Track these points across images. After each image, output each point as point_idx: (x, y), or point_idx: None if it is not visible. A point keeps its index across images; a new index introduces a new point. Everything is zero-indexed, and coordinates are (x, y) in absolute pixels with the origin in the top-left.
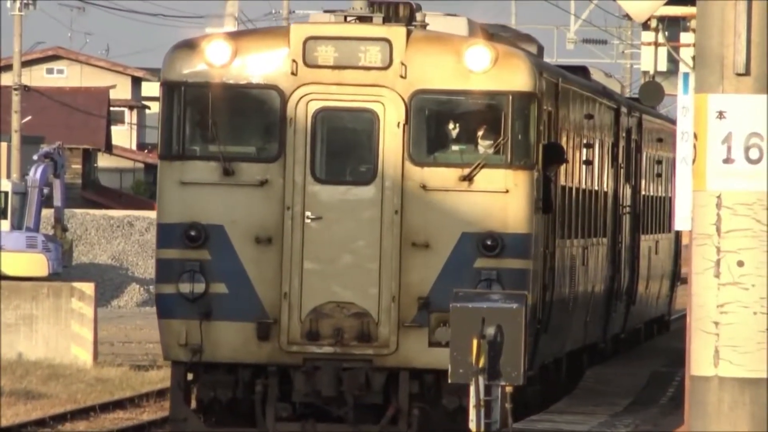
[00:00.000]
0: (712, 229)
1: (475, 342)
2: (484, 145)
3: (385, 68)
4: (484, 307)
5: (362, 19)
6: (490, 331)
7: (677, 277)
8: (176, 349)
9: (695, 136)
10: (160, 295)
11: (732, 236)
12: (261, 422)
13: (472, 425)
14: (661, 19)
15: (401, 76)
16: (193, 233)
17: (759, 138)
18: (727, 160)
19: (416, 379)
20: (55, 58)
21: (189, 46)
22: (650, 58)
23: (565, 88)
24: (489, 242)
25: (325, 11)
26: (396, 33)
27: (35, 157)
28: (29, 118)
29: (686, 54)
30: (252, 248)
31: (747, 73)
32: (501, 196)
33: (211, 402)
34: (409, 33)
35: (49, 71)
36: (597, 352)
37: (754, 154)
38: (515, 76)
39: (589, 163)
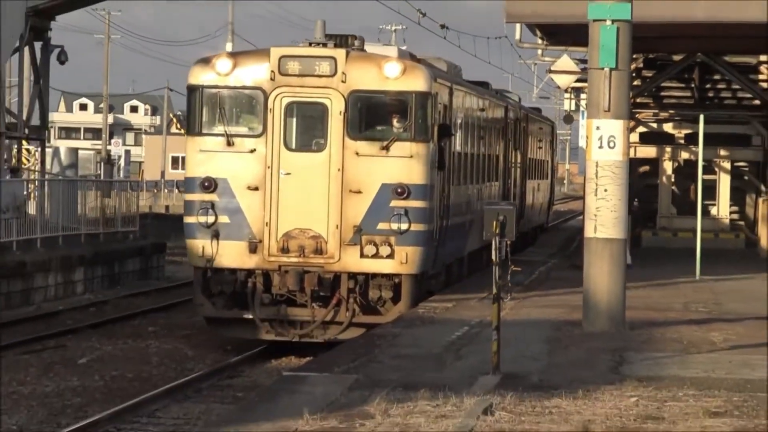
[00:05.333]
0: (593, 175)
1: (494, 222)
2: (396, 127)
3: (332, 76)
4: (498, 207)
5: (321, 44)
6: (501, 217)
7: (551, 203)
8: (196, 259)
9: (587, 137)
10: (187, 223)
11: (602, 178)
12: (251, 306)
13: (494, 257)
14: (573, 88)
15: (342, 81)
16: (207, 183)
17: (614, 138)
18: (600, 147)
19: (352, 279)
20: None
21: (204, 61)
22: (568, 104)
23: (457, 90)
24: (399, 190)
25: (306, 40)
26: (339, 53)
27: None
28: None
29: (584, 102)
30: (245, 193)
31: (609, 110)
32: (407, 160)
33: (219, 293)
34: (348, 53)
35: None
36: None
37: (611, 144)
38: (417, 81)
39: (482, 137)
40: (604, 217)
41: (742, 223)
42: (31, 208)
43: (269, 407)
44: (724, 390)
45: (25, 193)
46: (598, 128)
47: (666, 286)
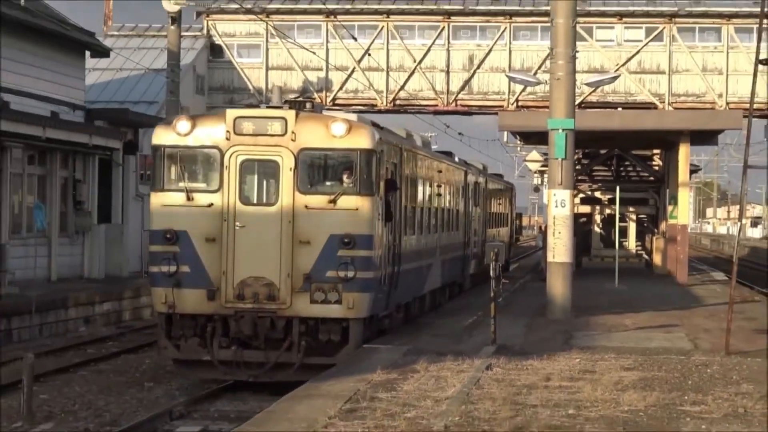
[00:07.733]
0: (552, 223)
1: (492, 252)
2: (345, 182)
3: (283, 135)
4: (495, 243)
5: (275, 107)
6: (496, 250)
7: (511, 245)
8: (160, 305)
9: (548, 200)
10: (151, 272)
11: (557, 225)
12: (210, 350)
13: (492, 273)
14: (539, 170)
15: (292, 140)
16: (168, 236)
17: (564, 201)
18: (556, 206)
19: (303, 324)
20: None
21: (167, 123)
22: (537, 180)
23: (409, 152)
24: (346, 240)
25: (262, 104)
26: (289, 114)
27: None
28: None
29: (546, 178)
30: (204, 244)
31: (561, 184)
32: (354, 212)
33: (180, 337)
34: (297, 114)
35: None
36: (457, 284)
37: (563, 204)
38: (362, 139)
39: (439, 194)
40: (558, 249)
41: (643, 252)
42: None
43: (356, 366)
44: (633, 354)
45: None
46: (554, 195)
47: (597, 291)
